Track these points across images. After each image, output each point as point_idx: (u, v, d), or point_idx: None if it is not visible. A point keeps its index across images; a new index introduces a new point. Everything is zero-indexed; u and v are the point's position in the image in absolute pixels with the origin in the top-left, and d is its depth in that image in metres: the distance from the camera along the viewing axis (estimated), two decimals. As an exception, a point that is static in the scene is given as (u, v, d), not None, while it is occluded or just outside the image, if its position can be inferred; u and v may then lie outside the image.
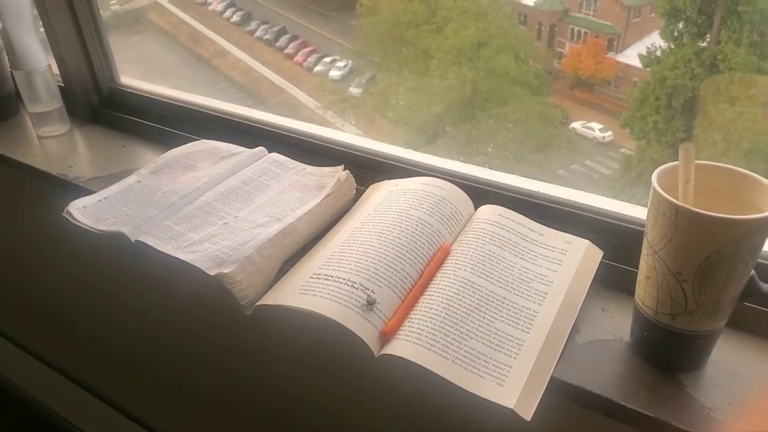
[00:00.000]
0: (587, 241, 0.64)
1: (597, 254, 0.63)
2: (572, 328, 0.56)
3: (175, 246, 0.66)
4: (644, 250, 0.50)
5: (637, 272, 0.52)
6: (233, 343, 0.87)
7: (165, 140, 0.91)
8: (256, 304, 0.62)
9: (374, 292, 0.57)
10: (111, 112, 1.00)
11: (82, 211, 0.74)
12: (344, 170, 0.74)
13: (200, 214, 0.71)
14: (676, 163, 0.48)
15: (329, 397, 0.80)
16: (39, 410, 1.40)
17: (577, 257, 0.62)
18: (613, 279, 0.62)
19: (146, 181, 0.80)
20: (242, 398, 0.97)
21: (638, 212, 0.64)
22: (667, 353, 0.52)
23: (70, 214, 0.73)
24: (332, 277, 0.59)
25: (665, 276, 0.48)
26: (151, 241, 0.67)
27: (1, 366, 1.52)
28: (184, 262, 0.63)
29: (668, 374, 0.52)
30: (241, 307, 0.62)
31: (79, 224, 0.72)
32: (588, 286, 0.60)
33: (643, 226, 0.50)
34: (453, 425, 0.66)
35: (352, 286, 0.58)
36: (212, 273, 0.61)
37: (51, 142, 0.96)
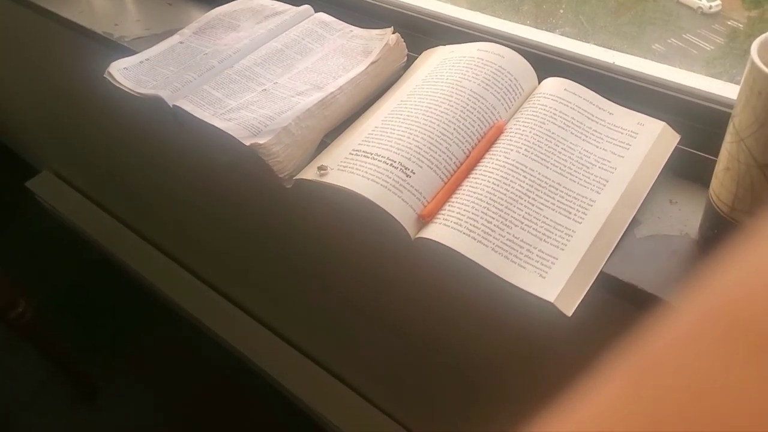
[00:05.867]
0: (663, 123, 0.56)
1: (673, 138, 0.55)
2: (632, 220, 0.51)
3: (211, 112, 0.63)
4: (728, 137, 0.43)
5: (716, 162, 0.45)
6: (274, 215, 0.87)
7: (211, -3, 0.85)
8: (294, 178, 0.59)
9: (414, 172, 0.53)
10: (156, -36, 0.94)
11: (123, 72, 0.72)
12: (394, 33, 0.67)
13: (239, 79, 0.67)
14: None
15: (365, 274, 0.79)
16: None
17: (648, 141, 0.55)
18: (689, 168, 0.54)
19: (188, 42, 0.76)
20: (282, 268, 0.99)
21: (730, 91, 0.54)
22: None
23: (111, 75, 0.71)
24: (371, 154, 0.55)
25: (749, 168, 0.41)
26: (188, 107, 0.64)
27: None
28: (220, 129, 0.61)
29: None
30: (280, 180, 0.60)
31: (120, 86, 0.70)
32: (657, 174, 0.53)
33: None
34: (488, 316, 0.64)
35: (392, 165, 0.54)
36: (247, 143, 0.59)
37: (98, -2, 0.93)
